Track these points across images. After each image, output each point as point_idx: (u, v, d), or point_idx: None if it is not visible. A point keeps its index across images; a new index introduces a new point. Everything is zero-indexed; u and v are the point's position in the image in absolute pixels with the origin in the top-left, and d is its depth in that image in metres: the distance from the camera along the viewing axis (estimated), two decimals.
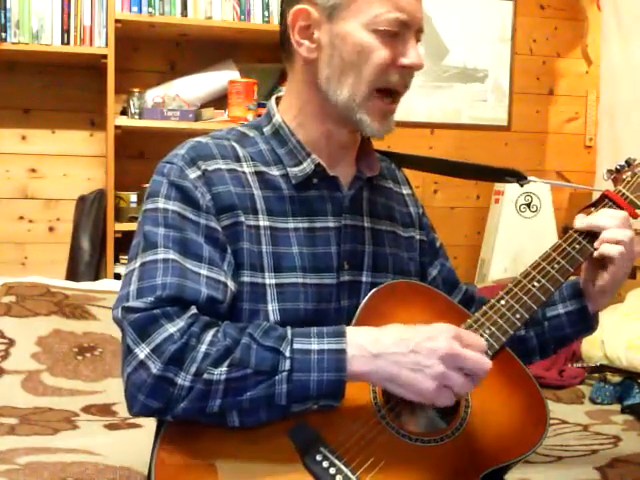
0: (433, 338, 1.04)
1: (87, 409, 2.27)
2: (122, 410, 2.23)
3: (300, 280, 1.15)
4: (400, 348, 1.04)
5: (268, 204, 1.17)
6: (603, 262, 1.25)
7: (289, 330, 1.06)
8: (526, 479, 1.74)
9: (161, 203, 1.13)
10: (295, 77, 1.22)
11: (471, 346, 1.05)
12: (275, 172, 1.20)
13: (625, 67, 3.28)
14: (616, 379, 2.55)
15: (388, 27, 1.13)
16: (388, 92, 1.17)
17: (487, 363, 1.05)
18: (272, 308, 1.13)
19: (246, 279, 1.13)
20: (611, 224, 1.23)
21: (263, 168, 1.19)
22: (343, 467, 1.03)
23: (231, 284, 1.11)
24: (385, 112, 1.18)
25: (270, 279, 1.14)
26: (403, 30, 1.15)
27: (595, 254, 1.24)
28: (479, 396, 1.11)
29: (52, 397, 2.32)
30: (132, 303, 1.05)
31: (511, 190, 3.35)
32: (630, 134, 3.21)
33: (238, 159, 1.18)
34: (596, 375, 2.64)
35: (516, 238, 3.31)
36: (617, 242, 1.22)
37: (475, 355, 1.04)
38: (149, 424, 1.13)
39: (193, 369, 1.02)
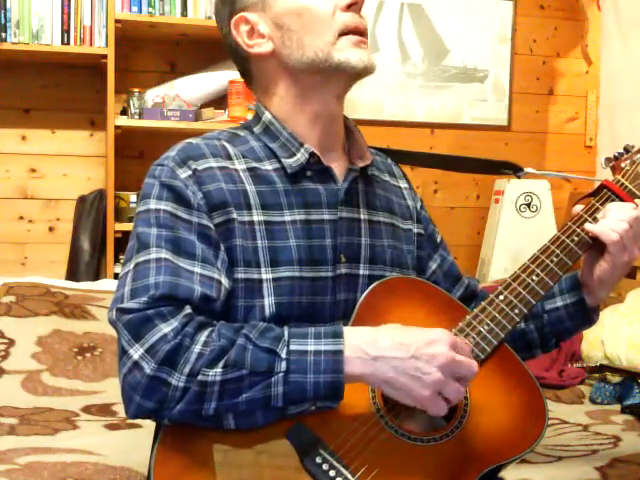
0: (432, 344, 1.04)
1: (87, 409, 2.26)
2: (122, 410, 2.22)
3: (297, 274, 1.15)
4: (400, 353, 1.04)
5: (262, 199, 1.16)
6: (601, 252, 1.24)
7: (286, 331, 1.06)
8: (526, 479, 1.74)
9: (153, 204, 1.13)
10: (261, 79, 1.25)
11: (463, 352, 1.07)
12: (268, 166, 1.20)
13: (625, 67, 3.29)
14: (616, 379, 2.55)
15: None
16: (351, 33, 1.18)
17: (475, 366, 1.07)
18: (268, 302, 1.12)
19: (240, 276, 1.13)
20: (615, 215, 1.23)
21: (255, 164, 1.19)
22: (343, 469, 1.03)
23: (225, 281, 1.11)
24: (356, 42, 1.19)
25: (267, 274, 1.13)
26: None
27: (590, 234, 1.24)
28: (478, 394, 1.10)
29: (52, 397, 2.32)
30: (126, 304, 1.05)
31: (511, 190, 3.35)
32: (630, 134, 3.21)
33: (229, 157, 1.19)
34: (596, 375, 2.65)
35: (516, 238, 3.31)
36: (612, 229, 1.21)
37: (467, 360, 1.06)
38: (149, 424, 1.13)
39: (187, 369, 1.01)
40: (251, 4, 1.21)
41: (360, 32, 1.19)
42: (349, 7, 1.18)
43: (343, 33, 1.18)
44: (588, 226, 1.24)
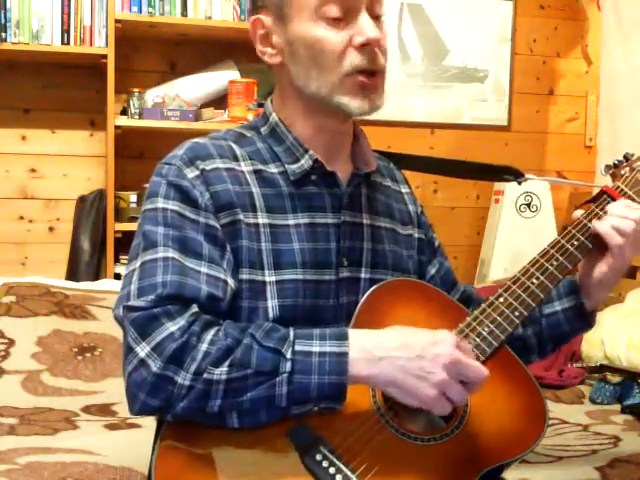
0: (437, 344, 1.04)
1: (87, 409, 2.27)
2: (122, 410, 2.23)
3: (300, 277, 1.15)
4: (406, 353, 1.04)
5: (267, 201, 1.17)
6: (602, 253, 1.24)
7: (291, 331, 1.06)
8: (526, 479, 1.74)
9: (160, 203, 1.13)
10: (277, 80, 1.24)
11: (468, 355, 1.06)
12: (273, 169, 1.20)
13: (625, 67, 3.29)
14: (616, 379, 2.56)
15: (332, 15, 1.14)
16: (360, 72, 1.16)
17: (485, 372, 1.06)
18: (272, 305, 1.13)
19: (245, 277, 1.13)
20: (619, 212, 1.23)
21: (261, 166, 1.20)
22: (343, 467, 1.03)
23: (231, 282, 1.11)
24: (363, 86, 1.15)
25: (270, 276, 1.14)
26: (350, 11, 1.14)
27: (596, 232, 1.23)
28: (478, 395, 1.10)
29: (52, 397, 2.32)
30: (133, 302, 1.06)
31: (511, 190, 3.35)
32: (630, 134, 3.22)
33: (236, 158, 1.19)
34: (596, 375, 2.65)
35: (516, 238, 3.31)
36: (618, 230, 1.21)
37: (475, 363, 1.06)
38: (149, 424, 1.14)
39: (193, 368, 1.02)
40: (271, 5, 1.17)
41: (371, 72, 1.15)
42: (363, 46, 1.15)
43: (350, 74, 1.15)
44: (595, 223, 1.24)
